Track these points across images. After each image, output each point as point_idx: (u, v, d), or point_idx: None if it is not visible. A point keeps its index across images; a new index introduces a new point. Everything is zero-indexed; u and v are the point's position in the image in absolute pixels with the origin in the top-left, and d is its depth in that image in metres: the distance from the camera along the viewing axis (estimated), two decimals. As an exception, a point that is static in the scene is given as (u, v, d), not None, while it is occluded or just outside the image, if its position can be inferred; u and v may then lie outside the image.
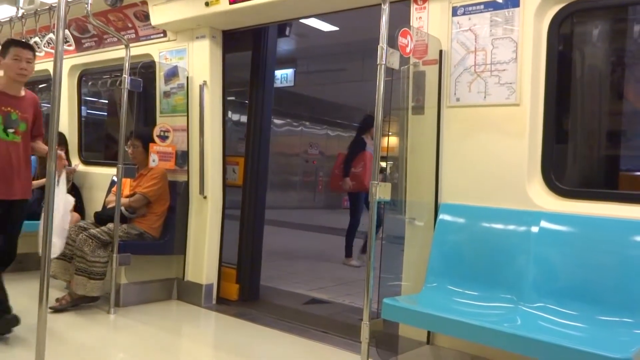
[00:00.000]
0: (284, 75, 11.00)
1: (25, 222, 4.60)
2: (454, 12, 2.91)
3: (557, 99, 2.73)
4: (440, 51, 2.93)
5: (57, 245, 3.37)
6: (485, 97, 2.80)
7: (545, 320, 2.30)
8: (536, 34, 2.69)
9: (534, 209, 2.63)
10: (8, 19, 4.69)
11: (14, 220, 3.26)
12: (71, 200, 3.58)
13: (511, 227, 2.66)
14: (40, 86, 6.54)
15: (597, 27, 3.09)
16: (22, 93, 3.26)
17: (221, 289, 4.22)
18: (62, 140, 5.01)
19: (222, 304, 4.16)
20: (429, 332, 2.91)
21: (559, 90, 2.75)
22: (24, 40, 3.50)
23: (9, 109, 3.14)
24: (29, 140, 3.29)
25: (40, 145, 3.40)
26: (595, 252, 2.41)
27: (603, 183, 3.31)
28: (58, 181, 3.17)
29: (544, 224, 2.54)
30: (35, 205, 4.70)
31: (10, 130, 3.14)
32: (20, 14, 4.53)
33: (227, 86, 4.26)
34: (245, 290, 4.30)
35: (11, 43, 3.23)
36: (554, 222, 2.55)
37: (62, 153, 4.78)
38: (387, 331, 2.77)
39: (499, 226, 2.71)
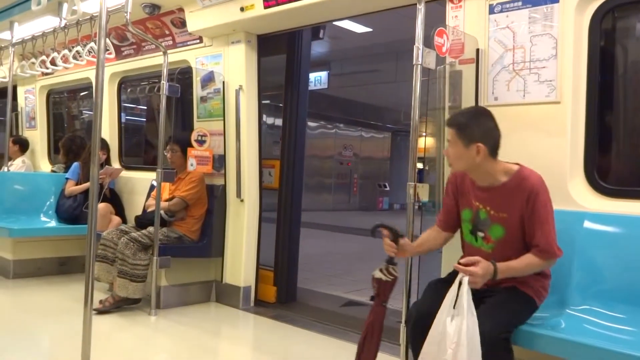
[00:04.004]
0: (317, 78, 11.06)
1: (71, 226, 4.79)
2: (491, 10, 2.87)
3: (600, 96, 2.66)
4: (477, 50, 2.89)
5: None
6: (524, 96, 2.75)
7: (591, 323, 2.24)
8: (577, 29, 2.62)
9: (576, 209, 2.56)
10: (52, 29, 4.85)
11: None
12: None
13: (553, 227, 2.58)
14: (82, 94, 6.76)
15: (640, 21, 2.99)
16: (502, 179, 2.23)
17: (259, 291, 4.25)
18: (104, 145, 5.15)
19: (260, 306, 4.19)
20: (469, 335, 2.86)
21: (602, 87, 2.67)
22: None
23: (477, 204, 2.28)
24: (514, 252, 2.18)
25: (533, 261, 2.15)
26: (642, 253, 2.32)
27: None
28: None
29: (587, 224, 2.47)
30: (79, 211, 4.85)
31: (480, 235, 2.29)
32: (63, 25, 4.68)
33: (262, 90, 4.30)
34: (283, 293, 4.33)
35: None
36: (598, 222, 2.48)
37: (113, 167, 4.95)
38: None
39: (541, 227, 2.63)
